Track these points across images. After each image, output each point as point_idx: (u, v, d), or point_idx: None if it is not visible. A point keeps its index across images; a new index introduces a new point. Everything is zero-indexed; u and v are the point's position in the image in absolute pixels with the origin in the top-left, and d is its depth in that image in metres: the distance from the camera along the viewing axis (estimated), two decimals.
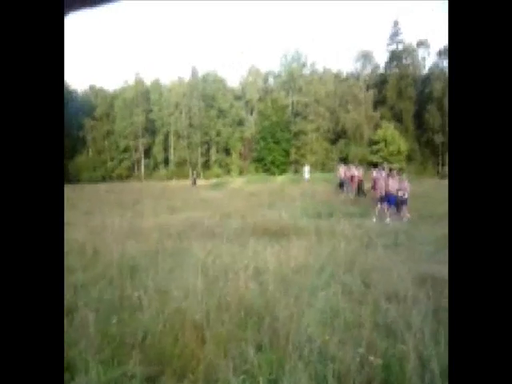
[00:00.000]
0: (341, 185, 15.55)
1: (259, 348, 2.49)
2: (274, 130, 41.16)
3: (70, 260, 5.46)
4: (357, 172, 14.85)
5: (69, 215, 12.31)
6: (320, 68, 46.93)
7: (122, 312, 3.13)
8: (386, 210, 10.42)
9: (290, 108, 44.78)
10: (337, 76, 46.76)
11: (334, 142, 43.39)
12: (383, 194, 10.64)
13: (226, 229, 8.72)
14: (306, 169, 21.42)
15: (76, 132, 46.38)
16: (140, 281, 4.11)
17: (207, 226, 9.48)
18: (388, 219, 10.09)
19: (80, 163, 44.51)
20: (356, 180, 14.41)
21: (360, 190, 14.30)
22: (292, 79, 44.53)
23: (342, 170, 15.63)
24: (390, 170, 13.75)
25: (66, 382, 2.18)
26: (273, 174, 36.80)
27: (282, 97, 44.38)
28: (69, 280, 4.26)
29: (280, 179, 24.62)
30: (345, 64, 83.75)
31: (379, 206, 10.63)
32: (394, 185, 10.70)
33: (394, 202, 10.57)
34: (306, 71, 46.16)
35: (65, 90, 47.95)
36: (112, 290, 3.80)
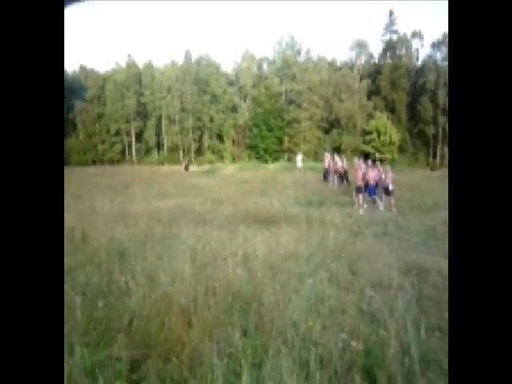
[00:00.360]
0: (325, 175, 15.61)
1: (244, 333, 2.53)
2: (268, 117, 40.82)
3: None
4: (341, 162, 14.87)
5: None
6: (314, 56, 46.39)
7: (109, 296, 3.13)
8: (360, 201, 10.60)
9: (284, 96, 44.34)
10: (331, 64, 46.29)
11: (327, 131, 43.34)
12: (360, 184, 10.82)
13: (217, 215, 8.73)
14: (299, 157, 21.38)
15: (66, 114, 45.22)
16: (128, 266, 4.10)
17: (198, 212, 9.45)
18: (361, 210, 10.22)
19: (70, 146, 43.60)
20: (340, 170, 14.47)
21: (343, 179, 14.37)
22: (286, 66, 43.93)
23: (326, 160, 15.63)
24: (375, 161, 13.91)
25: None
26: (265, 161, 36.70)
27: (276, 84, 43.84)
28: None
29: (272, 167, 24.59)
30: (339, 53, 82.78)
31: (354, 195, 10.87)
32: (373, 176, 10.90)
33: (373, 192, 10.81)
34: (301, 59, 45.54)
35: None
36: (100, 274, 3.78)
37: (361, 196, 10.73)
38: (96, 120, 45.31)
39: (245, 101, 46.47)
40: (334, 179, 14.49)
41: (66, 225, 6.89)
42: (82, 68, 49.79)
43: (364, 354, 2.30)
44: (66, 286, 3.30)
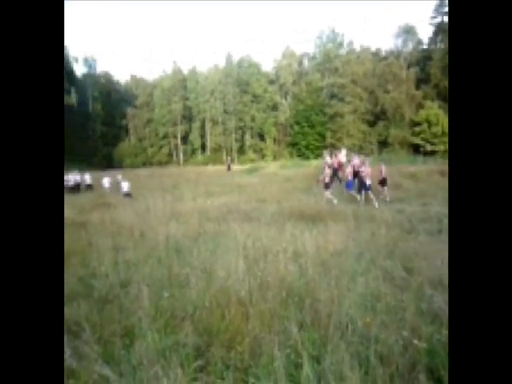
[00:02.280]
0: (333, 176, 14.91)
1: (301, 326, 2.58)
2: (309, 113, 40.24)
3: (120, 240, 5.92)
4: (343, 159, 14.26)
5: (116, 199, 13.16)
6: (357, 47, 44.69)
7: (172, 288, 3.37)
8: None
9: (325, 90, 43.35)
10: (375, 54, 44.26)
11: (372, 124, 41.55)
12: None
13: (263, 213, 8.85)
14: (343, 152, 20.76)
15: (119, 121, 48.78)
16: (185, 261, 4.36)
17: (244, 210, 9.67)
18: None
19: (123, 150, 46.96)
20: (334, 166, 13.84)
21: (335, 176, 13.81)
22: (327, 60, 42.90)
23: (327, 158, 14.81)
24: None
25: (125, 346, 2.43)
26: (307, 158, 36.24)
27: (317, 79, 43.02)
28: (121, 257, 4.64)
29: (315, 164, 24.18)
30: (384, 41, 78.50)
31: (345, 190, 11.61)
32: (350, 171, 11.92)
33: (350, 187, 11.64)
34: (343, 51, 44.17)
35: (107, 80, 50.29)
36: (161, 268, 4.07)
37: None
38: (146, 125, 48.18)
39: (285, 98, 46.28)
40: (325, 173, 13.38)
41: (125, 224, 7.50)
42: (133, 77, 53.27)
43: (427, 353, 2.23)
44: (134, 278, 3.62)
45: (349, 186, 11.75)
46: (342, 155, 15.52)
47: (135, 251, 5.10)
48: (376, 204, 10.11)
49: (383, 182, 11.73)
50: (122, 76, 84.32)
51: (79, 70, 48.33)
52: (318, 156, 36.93)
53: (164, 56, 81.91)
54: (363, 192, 10.92)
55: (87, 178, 18.63)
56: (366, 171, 11.03)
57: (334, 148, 39.98)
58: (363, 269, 4.23)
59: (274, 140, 45.51)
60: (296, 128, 40.81)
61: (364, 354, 2.28)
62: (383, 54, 44.56)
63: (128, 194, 14.72)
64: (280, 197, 11.85)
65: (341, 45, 44.61)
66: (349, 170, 12.02)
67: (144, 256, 4.80)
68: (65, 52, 40.73)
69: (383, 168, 11.94)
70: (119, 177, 17.88)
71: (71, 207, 9.94)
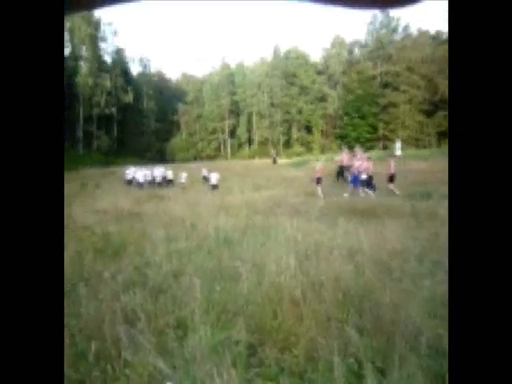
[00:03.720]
0: (340, 173, 14.05)
1: (361, 332, 2.36)
2: (360, 104, 38.37)
3: (173, 230, 6.11)
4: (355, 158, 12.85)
5: (169, 192, 13.77)
6: (414, 31, 41.32)
7: (222, 281, 3.33)
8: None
9: (378, 79, 40.91)
10: (435, 38, 40.51)
11: (430, 114, 38.35)
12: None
13: (312, 207, 8.58)
14: (398, 145, 19.39)
15: (171, 116, 51.13)
16: (235, 253, 4.32)
17: (292, 203, 9.47)
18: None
19: (175, 145, 49.17)
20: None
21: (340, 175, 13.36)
22: (380, 47, 40.40)
23: (345, 156, 13.98)
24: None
25: (179, 338, 2.42)
26: None
27: (369, 67, 40.76)
28: (174, 247, 4.76)
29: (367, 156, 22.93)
30: (446, 23, 71.46)
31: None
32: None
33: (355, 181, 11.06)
34: (397, 37, 41.19)
35: (160, 78, 52.86)
36: (211, 260, 4.08)
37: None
38: (196, 120, 49.85)
39: (335, 89, 44.62)
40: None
41: (176, 214, 7.76)
42: (184, 75, 55.34)
43: None
44: (185, 269, 3.66)
45: (353, 181, 11.28)
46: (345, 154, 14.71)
47: (186, 242, 5.20)
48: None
49: (391, 179, 11.29)
50: (173, 74, 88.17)
51: (135, 69, 51.33)
52: (370, 149, 35.13)
53: (213, 52, 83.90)
54: (357, 186, 10.70)
55: (169, 173, 18.89)
56: (363, 166, 10.92)
57: (386, 140, 37.85)
58: (427, 271, 3.83)
59: (322, 132, 44.26)
60: (346, 119, 39.23)
61: (437, 371, 1.99)
62: (444, 37, 40.68)
63: (215, 186, 14.79)
64: (329, 190, 11.42)
65: (395, 30, 41.65)
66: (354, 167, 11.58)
67: (194, 247, 4.87)
68: (122, 54, 43.53)
69: (392, 164, 11.55)
70: (204, 170, 18.16)
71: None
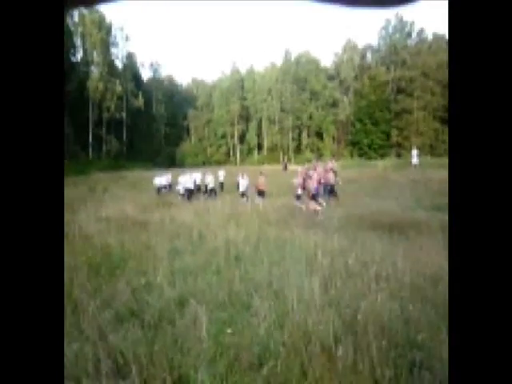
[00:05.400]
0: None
1: None
2: (372, 110, 37.62)
3: (179, 243, 5.62)
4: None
5: (178, 200, 13.34)
6: (429, 36, 40.53)
7: (234, 311, 2.81)
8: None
9: (391, 85, 40.15)
10: None
11: (445, 120, 37.31)
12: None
13: (328, 218, 8.01)
14: (415, 152, 18.63)
15: (181, 121, 51.21)
16: (246, 273, 3.80)
17: (306, 213, 8.92)
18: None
19: (184, 150, 49.10)
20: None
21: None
22: (394, 52, 39.71)
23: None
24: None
25: None
26: (369, 158, 33.88)
27: (382, 73, 40.05)
28: (178, 265, 4.25)
29: (381, 164, 22.21)
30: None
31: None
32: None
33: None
34: (411, 42, 40.46)
35: (170, 83, 53.11)
36: (219, 281, 3.57)
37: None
38: (205, 125, 49.74)
39: (346, 95, 44.00)
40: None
41: (185, 223, 7.29)
42: (194, 80, 55.53)
43: None
44: (184, 291, 3.15)
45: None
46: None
47: (193, 257, 4.70)
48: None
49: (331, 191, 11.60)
50: (184, 79, 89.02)
51: (145, 74, 51.64)
52: (383, 156, 34.27)
53: (223, 57, 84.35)
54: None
55: (210, 179, 15.30)
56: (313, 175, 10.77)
57: (400, 147, 36.95)
58: None
59: (333, 139, 43.58)
60: (358, 126, 38.49)
61: None
62: None
63: (244, 194, 13.39)
64: (345, 200, 10.82)
65: (409, 35, 40.94)
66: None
67: (201, 263, 4.36)
68: (133, 58, 43.84)
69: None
70: (240, 175, 14.41)
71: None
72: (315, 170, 11.76)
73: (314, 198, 9.68)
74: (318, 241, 5.28)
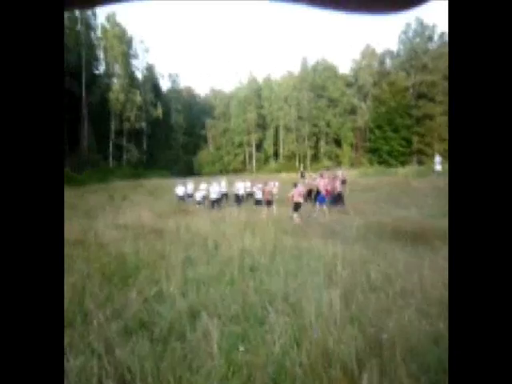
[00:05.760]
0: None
1: None
2: (392, 116, 36.88)
3: (194, 250, 5.53)
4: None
5: (195, 208, 13.36)
6: None
7: (246, 325, 2.66)
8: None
9: (412, 90, 39.31)
10: None
11: None
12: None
13: (347, 227, 7.73)
14: (438, 159, 17.97)
15: (199, 131, 52.00)
16: (262, 284, 3.64)
17: (324, 222, 8.67)
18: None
19: (202, 158, 49.72)
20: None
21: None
22: (414, 57, 38.95)
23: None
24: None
25: None
26: (389, 165, 33.05)
27: (402, 78, 39.31)
28: (191, 275, 4.15)
29: (402, 171, 21.56)
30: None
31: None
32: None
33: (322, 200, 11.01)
34: (433, 45, 39.59)
35: (189, 94, 54.21)
36: (233, 292, 3.42)
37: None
38: (222, 134, 50.26)
39: (365, 101, 43.42)
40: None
41: (200, 233, 7.22)
42: (212, 90, 56.46)
43: None
44: (202, 306, 3.02)
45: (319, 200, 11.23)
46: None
47: (207, 267, 4.59)
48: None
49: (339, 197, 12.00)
50: (202, 89, 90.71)
51: (165, 85, 52.90)
52: (403, 163, 33.36)
53: (241, 67, 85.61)
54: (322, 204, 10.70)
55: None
56: (319, 184, 11.30)
57: (421, 154, 35.89)
58: None
59: (352, 146, 42.94)
60: (377, 132, 37.77)
61: None
62: None
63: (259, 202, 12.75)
64: (364, 208, 10.48)
65: (430, 38, 40.11)
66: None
67: (216, 274, 4.24)
68: (152, 70, 45.09)
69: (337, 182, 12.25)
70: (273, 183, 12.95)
71: None
72: (322, 177, 11.92)
73: (296, 209, 9.77)
74: (337, 251, 5.05)
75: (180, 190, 15.55)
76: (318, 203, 11.00)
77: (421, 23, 39.97)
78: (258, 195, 13.08)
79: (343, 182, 13.79)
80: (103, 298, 3.12)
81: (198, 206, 13.58)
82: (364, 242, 5.83)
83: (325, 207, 10.60)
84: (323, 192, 11.17)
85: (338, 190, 12.27)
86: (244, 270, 4.26)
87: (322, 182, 11.46)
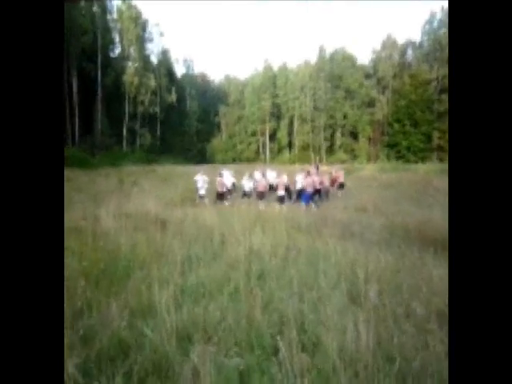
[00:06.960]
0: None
1: None
2: (412, 110, 35.37)
3: (198, 247, 5.02)
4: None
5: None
6: None
7: (249, 355, 2.11)
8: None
9: (434, 83, 37.51)
10: None
11: None
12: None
13: (366, 227, 7.09)
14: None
15: (213, 118, 51.32)
16: (272, 298, 3.08)
17: (341, 221, 8.02)
18: None
19: (215, 146, 49.18)
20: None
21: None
22: (438, 48, 37.03)
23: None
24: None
25: None
26: (408, 161, 31.80)
27: (424, 71, 37.53)
28: (190, 279, 3.63)
29: (423, 168, 20.51)
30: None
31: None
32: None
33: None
34: None
35: (203, 80, 53.37)
36: (238, 297, 2.89)
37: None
38: (236, 122, 49.49)
39: (384, 94, 41.81)
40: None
41: (207, 224, 6.69)
42: (226, 76, 55.44)
43: None
44: (190, 323, 2.48)
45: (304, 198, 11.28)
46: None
47: (213, 264, 4.08)
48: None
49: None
50: (216, 75, 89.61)
51: (179, 70, 52.14)
52: (423, 159, 32.02)
53: (257, 54, 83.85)
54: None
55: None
56: (307, 181, 11.30)
57: (442, 151, 34.40)
58: None
59: (369, 139, 41.60)
60: (396, 126, 36.36)
61: None
62: None
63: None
64: (384, 207, 9.76)
65: None
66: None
67: (221, 272, 3.72)
68: (167, 54, 44.35)
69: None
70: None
71: None
72: (309, 174, 11.91)
73: (261, 197, 10.66)
74: (358, 257, 4.43)
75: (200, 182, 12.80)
76: (303, 202, 10.97)
77: (446, 13, 37.84)
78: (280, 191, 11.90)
79: (334, 181, 13.71)
80: (78, 310, 2.61)
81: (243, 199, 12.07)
82: (388, 248, 5.18)
83: (313, 205, 10.71)
84: (308, 190, 11.08)
85: (325, 185, 12.45)
86: (251, 274, 3.71)
87: (309, 180, 11.36)
